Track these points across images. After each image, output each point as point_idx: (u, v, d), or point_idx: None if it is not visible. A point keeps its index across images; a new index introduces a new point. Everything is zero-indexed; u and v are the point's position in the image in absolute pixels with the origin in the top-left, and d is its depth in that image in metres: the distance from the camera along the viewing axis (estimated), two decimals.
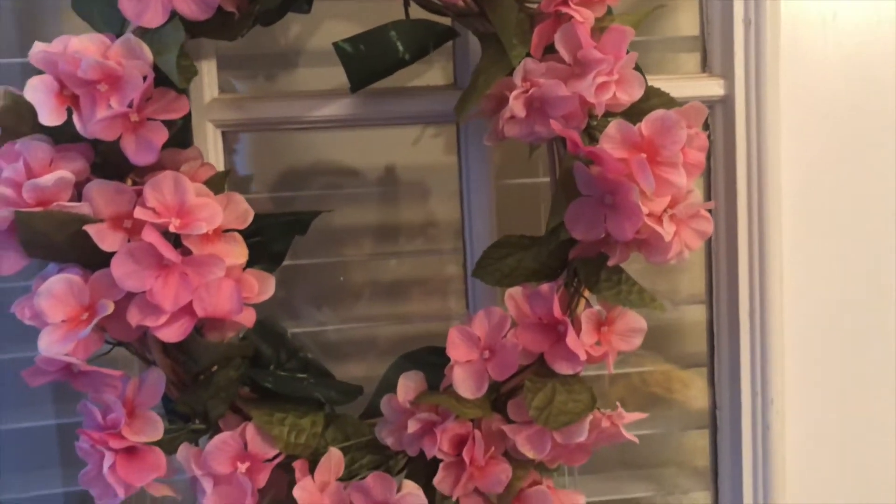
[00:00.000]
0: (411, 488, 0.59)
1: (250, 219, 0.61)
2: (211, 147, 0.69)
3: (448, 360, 0.69)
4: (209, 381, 0.61)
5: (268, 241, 0.62)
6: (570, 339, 0.59)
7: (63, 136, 0.57)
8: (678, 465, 0.90)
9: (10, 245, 0.56)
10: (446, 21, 0.66)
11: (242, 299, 0.56)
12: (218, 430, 0.62)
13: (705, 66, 0.78)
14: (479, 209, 0.73)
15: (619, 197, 0.57)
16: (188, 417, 0.64)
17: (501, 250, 0.67)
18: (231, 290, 0.56)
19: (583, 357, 0.60)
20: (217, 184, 0.61)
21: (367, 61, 0.62)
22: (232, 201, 0.60)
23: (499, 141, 0.64)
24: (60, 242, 0.55)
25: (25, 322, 0.55)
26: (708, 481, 0.84)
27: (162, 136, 0.53)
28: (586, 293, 0.65)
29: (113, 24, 0.63)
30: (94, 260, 0.57)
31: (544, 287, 0.62)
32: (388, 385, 0.70)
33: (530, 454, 0.61)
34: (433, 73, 0.85)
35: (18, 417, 0.77)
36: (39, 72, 0.54)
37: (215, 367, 0.62)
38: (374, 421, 0.67)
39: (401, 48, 0.61)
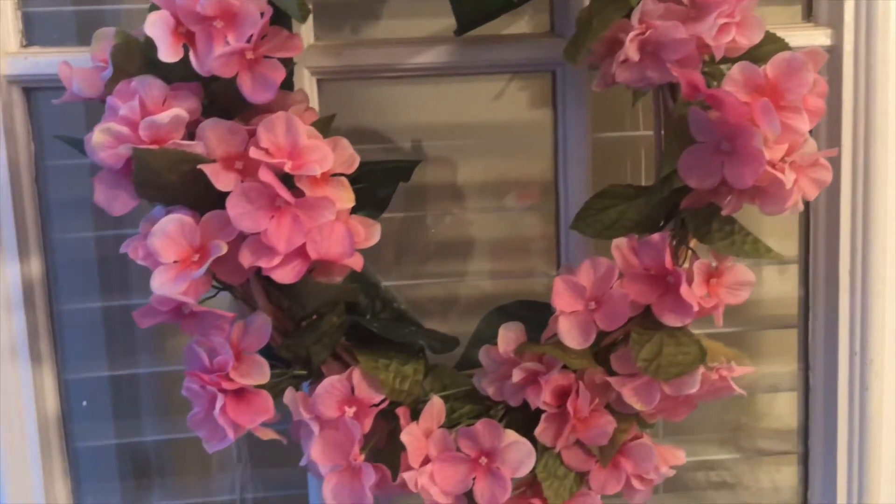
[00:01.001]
0: (516, 437, 0.59)
1: (356, 164, 0.60)
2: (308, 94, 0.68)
3: (540, 314, 0.69)
4: (313, 326, 0.61)
5: (372, 186, 0.61)
6: (685, 290, 0.58)
7: (171, 76, 0.57)
8: (758, 427, 0.89)
9: (121, 184, 0.56)
10: None
11: (354, 243, 0.56)
12: (320, 376, 0.62)
13: (809, 16, 0.75)
14: (575, 161, 0.71)
15: (739, 143, 0.55)
16: (287, 363, 0.64)
17: (604, 201, 0.65)
18: (343, 233, 0.56)
19: (696, 309, 0.59)
20: (323, 128, 0.60)
21: (477, 2, 0.60)
22: (339, 146, 0.59)
23: (607, 87, 0.62)
24: (172, 182, 0.55)
25: (138, 262, 0.55)
26: (794, 444, 0.83)
27: (279, 73, 0.53)
28: (692, 245, 0.64)
29: None
30: (203, 201, 0.57)
31: (655, 237, 0.60)
32: (481, 338, 0.69)
33: (638, 406, 0.60)
34: (518, 25, 0.83)
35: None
36: None
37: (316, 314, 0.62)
38: (470, 372, 0.67)
39: None
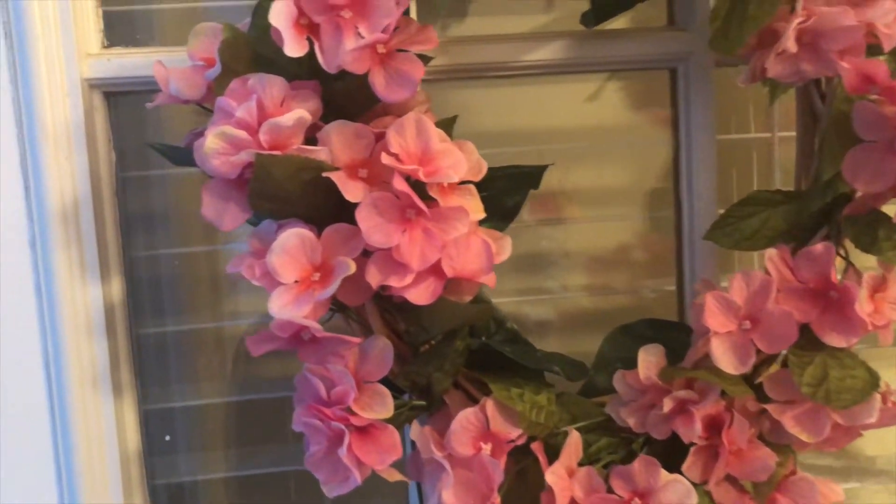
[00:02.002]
0: (673, 477, 0.52)
1: (484, 170, 0.54)
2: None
3: (667, 334, 0.63)
4: (435, 351, 0.54)
5: (499, 194, 0.55)
6: (858, 306, 0.52)
7: (282, 74, 0.51)
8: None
9: (232, 196, 0.50)
10: None
11: (492, 258, 0.50)
12: (441, 406, 0.56)
13: None
14: (701, 165, 0.65)
15: None
16: (399, 391, 0.58)
17: (746, 208, 0.59)
18: (480, 247, 0.50)
19: (868, 327, 0.53)
20: (445, 130, 0.54)
21: None
22: (465, 150, 0.53)
23: (755, 82, 0.57)
24: (291, 192, 0.49)
25: (254, 282, 0.49)
26: None
27: (417, 68, 0.47)
28: (844, 254, 0.58)
29: None
30: (319, 213, 0.51)
31: (818, 247, 0.54)
32: (605, 360, 0.63)
33: (804, 437, 0.53)
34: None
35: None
36: None
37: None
38: (599, 400, 0.60)
39: None
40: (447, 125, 0.54)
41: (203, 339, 0.70)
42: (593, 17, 0.57)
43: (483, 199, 0.54)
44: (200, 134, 0.55)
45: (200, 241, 0.69)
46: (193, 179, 0.69)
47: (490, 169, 0.56)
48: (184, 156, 0.56)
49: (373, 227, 0.47)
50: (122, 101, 0.63)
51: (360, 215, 0.47)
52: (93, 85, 0.60)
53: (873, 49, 0.54)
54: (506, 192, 0.56)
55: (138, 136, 0.66)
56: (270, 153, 0.45)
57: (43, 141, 0.58)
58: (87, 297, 0.60)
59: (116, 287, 0.62)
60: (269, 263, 0.48)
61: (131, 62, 0.60)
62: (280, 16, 0.44)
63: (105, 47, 0.62)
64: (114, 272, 0.62)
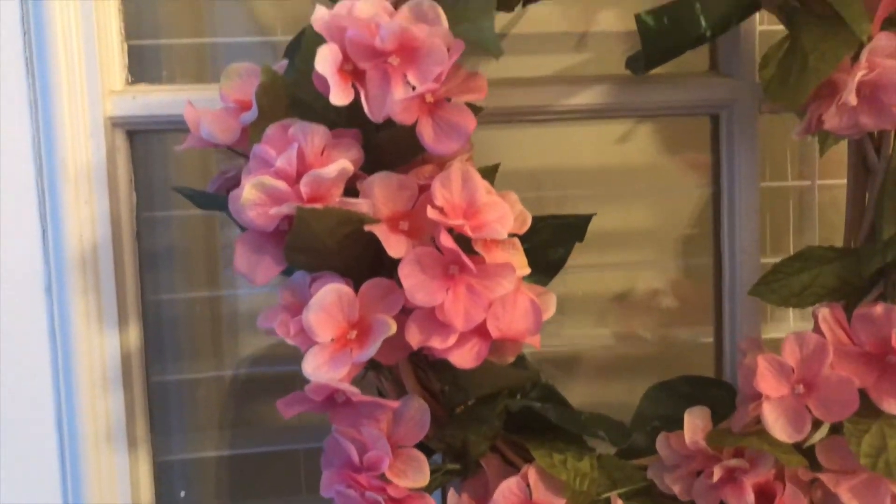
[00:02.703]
0: None
1: (529, 222, 0.51)
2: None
3: (708, 392, 0.60)
4: (473, 413, 0.52)
5: (543, 247, 0.53)
6: None
7: (320, 120, 0.49)
8: None
9: (267, 249, 0.47)
10: None
11: (540, 319, 0.47)
12: (476, 470, 0.53)
13: None
14: (744, 214, 0.63)
15: None
16: (429, 451, 0.55)
17: (796, 264, 0.57)
18: (527, 306, 0.47)
19: None
20: (488, 179, 0.52)
21: (668, 36, 0.52)
22: (509, 201, 0.51)
23: (809, 134, 0.55)
24: (329, 245, 0.46)
25: (288, 340, 0.46)
26: None
27: (468, 119, 0.44)
28: None
29: None
30: (357, 267, 0.49)
31: (878, 309, 0.52)
32: (643, 418, 0.60)
33: None
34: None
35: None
36: None
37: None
38: (640, 462, 0.58)
39: (703, 22, 0.52)
40: (489, 174, 0.52)
41: (220, 386, 0.67)
42: (644, 63, 0.55)
43: (526, 252, 0.52)
44: (230, 178, 0.53)
45: (221, 284, 0.66)
46: (214, 220, 0.67)
47: (534, 218, 0.54)
48: (210, 200, 0.54)
49: (416, 284, 0.45)
50: (144, 139, 0.61)
51: (403, 272, 0.45)
52: (116, 124, 0.57)
53: None
54: (549, 245, 0.53)
55: (159, 173, 0.63)
56: (312, 207, 0.43)
57: (63, 183, 0.55)
58: (104, 347, 0.57)
59: (134, 335, 0.59)
60: (305, 321, 0.45)
61: (157, 100, 0.57)
62: (326, 62, 0.42)
63: (129, 83, 0.59)
64: (132, 319, 0.59)
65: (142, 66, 0.61)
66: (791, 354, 0.53)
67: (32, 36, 0.55)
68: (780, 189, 0.72)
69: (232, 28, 0.68)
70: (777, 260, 0.73)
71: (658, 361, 0.76)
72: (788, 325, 0.76)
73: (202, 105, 0.52)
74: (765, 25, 0.66)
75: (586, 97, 0.61)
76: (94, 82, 0.56)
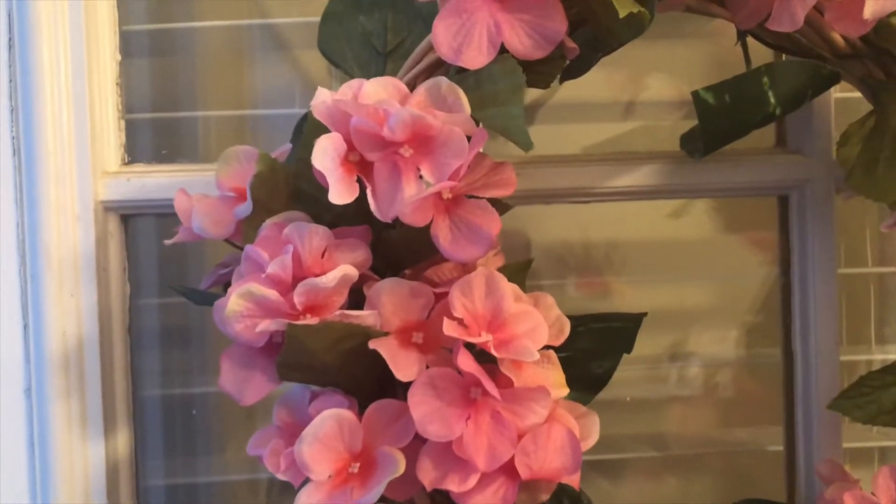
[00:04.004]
0: None
1: (567, 331, 0.44)
2: None
3: None
4: None
5: (584, 358, 0.45)
6: None
7: (326, 213, 0.43)
8: None
9: (257, 364, 0.40)
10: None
11: (580, 456, 0.40)
12: None
13: None
14: (820, 308, 0.54)
15: None
16: None
17: (887, 377, 0.48)
18: (564, 439, 0.39)
19: None
20: (518, 278, 0.45)
21: (730, 115, 0.45)
22: (543, 305, 0.44)
23: None
24: (329, 363, 0.39)
25: (278, 475, 0.40)
26: None
27: (492, 221, 0.37)
28: None
29: (373, 68, 0.49)
30: (361, 383, 0.42)
31: None
32: None
33: None
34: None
35: None
36: None
37: None
38: None
39: (773, 98, 0.45)
40: (519, 272, 0.45)
41: (224, 493, 0.60)
42: (703, 147, 0.47)
43: (562, 363, 0.45)
44: (225, 274, 0.47)
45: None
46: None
47: (570, 319, 0.47)
48: (205, 298, 0.48)
49: (429, 414, 0.37)
50: (139, 222, 0.56)
51: (414, 399, 0.37)
52: (108, 208, 0.52)
53: None
54: (592, 356, 0.45)
55: (155, 258, 0.58)
56: (305, 324, 0.37)
57: (46, 273, 0.50)
58: (88, 455, 0.51)
59: (123, 441, 0.53)
60: (297, 455, 0.38)
61: (154, 183, 0.52)
62: (325, 157, 0.36)
63: (125, 163, 0.54)
64: (120, 422, 0.53)
65: (138, 142, 0.56)
66: (885, 491, 0.44)
67: (20, 112, 0.50)
68: (859, 276, 0.64)
69: (253, 97, 0.63)
70: (856, 358, 0.66)
71: (718, 471, 0.67)
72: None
73: (204, 188, 0.47)
74: (841, 93, 0.58)
75: (635, 178, 0.54)
76: (84, 163, 0.51)
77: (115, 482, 0.53)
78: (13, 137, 0.50)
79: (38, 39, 0.51)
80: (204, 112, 0.59)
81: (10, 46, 0.51)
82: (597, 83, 0.67)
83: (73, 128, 0.51)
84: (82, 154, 0.51)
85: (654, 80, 0.66)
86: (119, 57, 0.55)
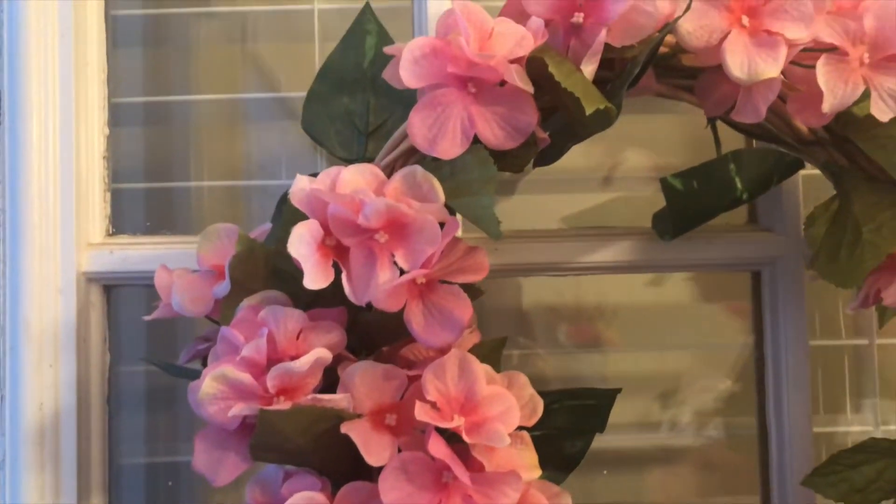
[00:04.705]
0: None
1: (540, 410, 0.44)
2: None
3: None
4: None
5: (557, 437, 0.46)
6: None
7: (304, 294, 0.44)
8: None
9: (230, 445, 0.41)
10: None
11: None
12: None
13: None
14: (792, 380, 0.55)
15: None
16: None
17: (857, 456, 0.49)
18: None
19: None
20: (493, 358, 0.45)
21: (698, 200, 0.47)
22: (515, 384, 0.44)
23: (867, 307, 0.48)
24: (302, 446, 0.40)
25: None
26: None
27: (463, 307, 0.38)
28: None
29: (354, 148, 0.50)
30: (336, 465, 0.42)
31: None
32: None
33: None
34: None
35: None
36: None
37: None
38: None
39: (739, 184, 0.46)
40: (494, 351, 0.46)
41: None
42: (671, 229, 0.49)
43: (536, 441, 0.45)
44: (203, 350, 0.48)
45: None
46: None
47: (543, 396, 0.47)
48: (183, 373, 0.49)
49: (399, 499, 0.38)
50: (121, 292, 0.57)
51: (385, 485, 0.38)
52: (91, 279, 0.53)
53: None
54: (566, 435, 0.46)
55: (136, 328, 0.58)
56: (277, 409, 0.37)
57: (25, 346, 0.50)
58: None
59: None
60: None
61: (138, 255, 0.53)
62: (301, 243, 0.37)
63: (110, 234, 0.55)
64: (95, 492, 0.52)
65: (125, 212, 0.57)
66: None
67: (6, 186, 0.51)
68: (834, 347, 0.65)
69: (244, 167, 0.65)
70: (834, 429, 0.66)
71: None
72: None
73: (188, 261, 0.48)
74: (808, 170, 0.60)
75: (611, 253, 0.55)
76: (69, 235, 0.51)
77: None
78: (0, 210, 0.51)
79: (29, 114, 0.52)
80: (193, 183, 0.60)
81: (0, 121, 0.53)
82: (576, 155, 0.69)
83: (58, 201, 0.52)
84: (67, 226, 0.52)
85: (632, 153, 0.68)
86: (107, 131, 0.56)
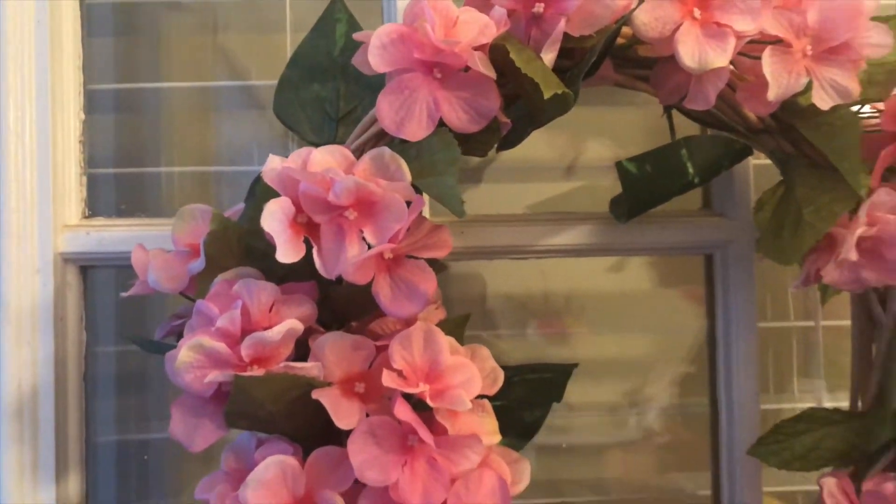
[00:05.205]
0: None
1: (500, 381, 0.47)
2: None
3: None
4: None
5: (517, 407, 0.48)
6: None
7: (276, 269, 0.45)
8: None
9: (206, 412, 0.42)
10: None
11: (509, 497, 0.42)
12: None
13: None
14: (742, 361, 0.58)
15: None
16: None
17: (798, 425, 0.52)
18: (495, 483, 0.42)
19: None
20: (456, 332, 0.48)
21: (652, 184, 0.49)
22: (477, 356, 0.47)
23: (809, 286, 0.51)
24: (275, 412, 0.42)
25: None
26: None
27: (428, 280, 0.40)
28: None
29: (325, 133, 0.52)
30: (307, 430, 0.44)
31: (889, 487, 0.47)
32: None
33: None
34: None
35: None
36: None
37: None
38: None
39: (691, 169, 0.49)
40: (457, 327, 0.48)
41: None
42: (626, 211, 0.51)
43: (497, 411, 0.47)
44: (179, 326, 0.49)
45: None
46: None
47: (505, 369, 0.50)
48: (158, 348, 0.50)
49: (368, 460, 0.40)
50: (97, 272, 0.58)
51: (353, 447, 0.40)
52: (67, 259, 0.54)
53: None
54: (525, 405, 0.49)
55: (111, 308, 0.59)
56: (250, 375, 0.39)
57: (3, 324, 0.51)
58: (39, 501, 0.52)
59: (74, 487, 0.54)
60: (242, 499, 0.40)
61: (112, 236, 0.54)
62: (273, 219, 0.39)
63: (86, 217, 0.56)
64: (72, 469, 0.54)
65: (100, 197, 0.58)
66: None
67: None
68: (783, 329, 0.68)
69: (215, 154, 0.66)
70: (781, 406, 0.69)
71: None
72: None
73: (162, 243, 0.49)
74: (760, 160, 0.63)
75: (570, 237, 0.57)
76: (46, 217, 0.53)
77: None
78: None
79: (5, 100, 0.53)
80: (164, 168, 0.61)
81: None
82: (540, 145, 0.72)
83: (35, 185, 0.53)
84: (44, 209, 0.53)
85: (594, 143, 0.71)
86: (83, 116, 0.57)
